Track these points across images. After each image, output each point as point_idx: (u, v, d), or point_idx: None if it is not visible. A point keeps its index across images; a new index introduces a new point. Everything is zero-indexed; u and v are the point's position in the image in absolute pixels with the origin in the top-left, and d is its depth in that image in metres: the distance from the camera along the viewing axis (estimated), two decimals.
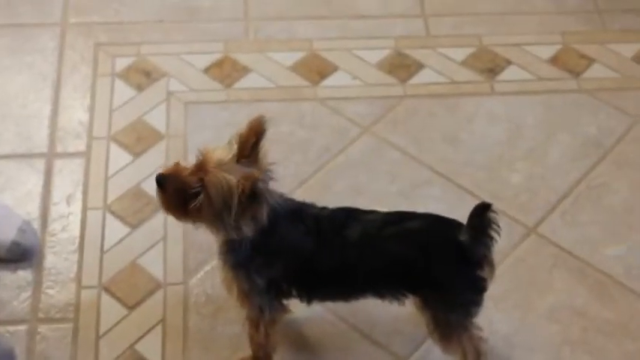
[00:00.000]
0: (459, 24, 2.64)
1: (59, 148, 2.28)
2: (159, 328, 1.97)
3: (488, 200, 2.15)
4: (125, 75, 2.46)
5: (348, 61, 2.52)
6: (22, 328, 1.96)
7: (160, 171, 1.69)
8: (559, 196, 2.24)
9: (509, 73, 2.51)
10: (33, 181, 2.22)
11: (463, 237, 1.72)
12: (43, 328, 1.96)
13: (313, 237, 1.74)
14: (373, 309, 1.97)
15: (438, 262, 1.75)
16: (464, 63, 2.53)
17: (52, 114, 2.36)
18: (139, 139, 2.31)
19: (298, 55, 2.53)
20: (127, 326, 1.97)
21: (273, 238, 1.71)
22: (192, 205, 1.64)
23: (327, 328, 1.97)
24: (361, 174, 2.26)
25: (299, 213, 1.75)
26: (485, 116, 2.41)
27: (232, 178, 1.61)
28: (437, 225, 1.79)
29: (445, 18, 2.66)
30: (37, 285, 2.03)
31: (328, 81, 2.47)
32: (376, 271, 1.76)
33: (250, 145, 1.66)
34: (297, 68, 2.50)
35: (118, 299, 2.01)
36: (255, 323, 1.85)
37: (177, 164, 1.69)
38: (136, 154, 2.28)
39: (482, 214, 1.71)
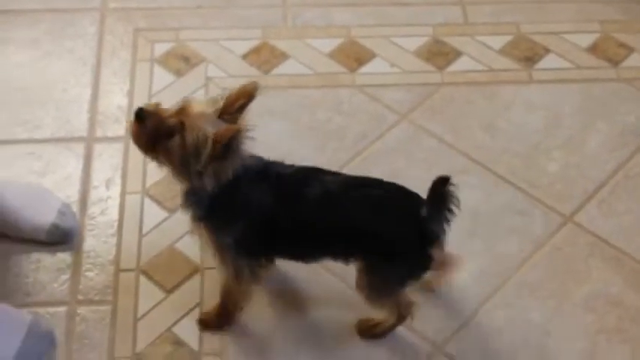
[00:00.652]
0: (497, 12, 2.63)
1: (99, 133, 2.30)
2: (196, 311, 1.98)
3: (525, 189, 2.18)
4: (164, 60, 2.47)
5: (385, 48, 2.52)
6: (62, 309, 1.98)
7: (142, 107, 1.71)
8: (596, 185, 2.23)
9: (547, 62, 2.50)
10: (73, 165, 2.24)
11: (423, 212, 1.74)
12: (82, 310, 1.98)
13: (274, 194, 1.77)
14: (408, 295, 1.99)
15: (395, 231, 1.77)
16: (502, 51, 2.52)
17: (91, 98, 2.38)
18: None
19: (336, 42, 2.53)
20: (164, 309, 1.99)
21: (233, 196, 1.74)
22: (164, 143, 1.68)
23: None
24: (398, 161, 2.26)
25: (263, 172, 1.78)
26: (523, 104, 2.40)
27: (210, 129, 1.65)
28: (399, 195, 1.81)
29: (483, 6, 2.65)
30: (76, 267, 2.06)
31: (366, 68, 2.47)
32: (333, 231, 1.78)
33: (237, 105, 1.70)
34: (334, 55, 2.50)
35: (156, 282, 2.03)
36: (235, 279, 1.87)
37: (158, 104, 1.73)
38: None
39: (442, 188, 1.72)
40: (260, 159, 1.80)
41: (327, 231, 1.78)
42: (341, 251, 1.83)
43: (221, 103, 1.71)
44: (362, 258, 1.81)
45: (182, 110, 1.69)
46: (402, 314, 1.90)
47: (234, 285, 1.89)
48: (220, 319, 1.95)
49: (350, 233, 1.78)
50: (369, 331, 1.95)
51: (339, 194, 1.78)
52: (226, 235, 1.80)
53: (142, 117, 1.70)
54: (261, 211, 1.77)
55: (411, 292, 1.89)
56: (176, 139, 1.67)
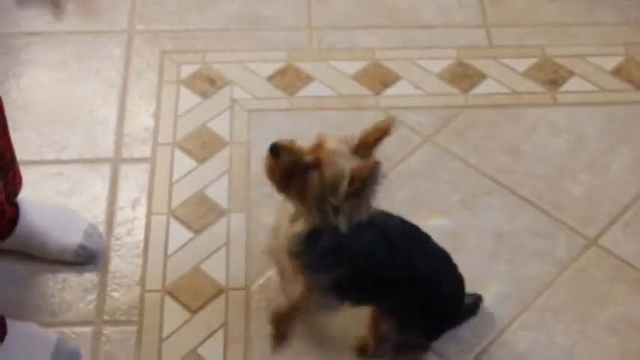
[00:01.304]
0: (521, 34, 2.64)
1: (125, 154, 2.33)
2: (221, 332, 1.99)
3: (549, 211, 2.19)
4: (190, 82, 2.50)
5: (410, 70, 2.53)
6: (88, 329, 2.00)
7: (277, 142, 1.70)
8: (620, 208, 2.23)
9: (571, 84, 2.51)
10: (99, 186, 2.26)
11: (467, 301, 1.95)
12: (107, 330, 2.00)
13: (387, 247, 1.78)
14: None
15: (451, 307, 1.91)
16: (526, 74, 2.53)
17: (118, 120, 2.40)
18: (203, 145, 2.34)
19: (361, 65, 2.55)
20: (189, 330, 2.00)
21: (346, 239, 1.73)
22: (300, 179, 1.67)
23: None
24: (422, 183, 2.27)
25: (373, 220, 1.76)
26: (547, 127, 2.41)
27: (347, 165, 1.65)
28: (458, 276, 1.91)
29: (507, 28, 2.66)
30: (102, 287, 2.07)
31: (390, 90, 2.49)
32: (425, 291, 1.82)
33: (372, 140, 1.71)
34: (359, 77, 2.52)
35: (181, 303, 2.04)
36: (307, 308, 1.88)
37: (292, 141, 1.72)
38: (200, 161, 2.31)
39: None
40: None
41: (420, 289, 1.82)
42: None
43: (356, 140, 1.70)
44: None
45: (318, 146, 1.69)
46: None
47: (300, 308, 1.88)
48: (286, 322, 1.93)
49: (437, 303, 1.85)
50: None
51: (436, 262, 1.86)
52: (324, 274, 1.79)
53: (277, 152, 1.69)
54: (372, 262, 1.78)
55: None
56: (314, 175, 1.66)
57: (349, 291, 1.83)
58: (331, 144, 1.68)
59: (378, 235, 1.77)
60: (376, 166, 1.64)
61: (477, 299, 1.99)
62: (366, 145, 1.70)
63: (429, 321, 1.87)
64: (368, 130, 1.71)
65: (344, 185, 1.65)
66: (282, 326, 1.90)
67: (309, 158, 1.68)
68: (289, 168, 1.69)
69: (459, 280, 1.89)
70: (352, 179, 1.64)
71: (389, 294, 1.82)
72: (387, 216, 1.82)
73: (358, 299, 1.87)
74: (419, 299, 1.82)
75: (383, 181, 1.68)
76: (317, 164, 1.66)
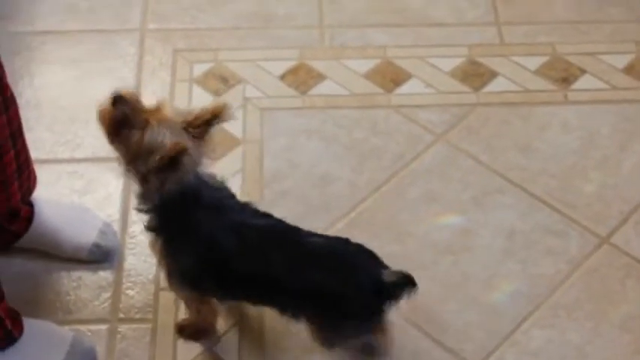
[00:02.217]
0: (533, 32, 2.65)
1: None
2: (235, 329, 2.00)
3: (561, 209, 2.19)
4: (203, 81, 2.51)
5: (421, 68, 2.54)
6: (103, 327, 2.01)
7: (121, 92, 1.71)
8: (632, 207, 2.23)
9: (583, 82, 2.51)
10: (113, 184, 2.27)
11: (385, 276, 1.74)
12: (123, 328, 2.01)
13: (237, 239, 1.75)
14: (444, 314, 2.00)
15: (354, 294, 1.75)
16: (537, 72, 2.54)
17: None
18: (215, 144, 2.35)
19: (372, 63, 2.56)
20: None
21: (190, 222, 1.74)
22: (125, 133, 1.69)
23: (397, 334, 1.99)
24: (434, 181, 2.28)
25: (228, 210, 1.77)
26: (559, 125, 2.41)
27: (168, 138, 1.66)
28: (360, 257, 1.79)
29: (519, 26, 2.66)
30: (117, 285, 2.08)
31: (402, 89, 2.49)
32: (294, 290, 1.76)
33: (202, 120, 1.70)
34: (371, 76, 2.52)
35: None
36: (186, 303, 1.91)
37: (137, 94, 1.73)
38: (213, 159, 2.31)
39: (405, 283, 1.74)
40: (230, 197, 1.81)
41: (282, 287, 1.77)
42: (296, 309, 1.81)
43: (190, 116, 1.71)
44: (311, 317, 1.81)
45: (155, 110, 1.70)
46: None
47: (189, 308, 1.93)
48: (193, 329, 1.97)
49: (305, 293, 1.76)
50: None
51: (303, 253, 1.77)
52: (176, 262, 1.80)
53: (115, 100, 1.71)
54: (218, 251, 1.76)
55: None
56: (135, 134, 1.68)
57: (208, 283, 1.82)
58: (167, 112, 1.70)
59: (229, 225, 1.76)
60: (181, 149, 1.64)
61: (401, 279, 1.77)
62: (196, 124, 1.70)
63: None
64: (203, 109, 1.71)
65: (154, 157, 1.66)
66: (192, 333, 1.98)
67: (139, 117, 1.68)
68: (120, 120, 1.70)
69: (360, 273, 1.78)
70: (161, 156, 1.65)
71: (263, 294, 1.81)
72: (262, 215, 1.81)
73: (224, 294, 1.87)
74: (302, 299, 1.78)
75: (200, 163, 1.72)
76: (143, 126, 1.67)
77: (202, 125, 1.71)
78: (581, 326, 2.02)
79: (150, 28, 2.65)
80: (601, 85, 2.51)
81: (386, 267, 1.77)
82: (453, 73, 2.53)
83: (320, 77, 2.52)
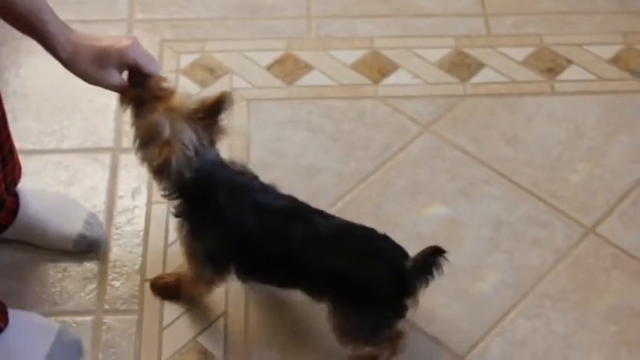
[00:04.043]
0: (520, 23, 2.65)
1: (125, 143, 2.33)
2: (221, 321, 2.00)
3: (548, 200, 2.19)
4: (190, 71, 2.50)
5: (408, 59, 2.54)
6: (88, 319, 2.01)
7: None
8: (618, 197, 2.24)
9: (569, 73, 2.51)
10: (99, 175, 2.26)
11: (407, 265, 1.74)
12: (108, 319, 2.01)
13: (258, 220, 1.77)
14: (431, 305, 2.00)
15: (376, 278, 1.76)
16: (524, 62, 2.54)
17: (118, 109, 2.39)
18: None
19: (359, 54, 2.55)
20: (189, 319, 2.01)
21: (212, 206, 1.77)
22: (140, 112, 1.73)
23: None
24: (421, 172, 2.28)
25: (252, 192, 1.80)
26: (545, 116, 2.41)
27: (168, 129, 1.69)
28: (384, 245, 1.80)
29: (506, 17, 2.66)
30: (102, 277, 2.08)
31: (389, 79, 2.49)
32: (316, 272, 1.78)
33: (207, 107, 1.72)
34: (358, 66, 2.52)
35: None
36: (195, 281, 1.93)
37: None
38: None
39: (434, 255, 1.72)
40: (252, 180, 1.83)
41: (305, 269, 1.79)
42: (318, 291, 1.83)
43: (197, 103, 1.73)
44: (333, 300, 1.81)
45: (165, 96, 1.73)
46: (394, 349, 1.90)
47: (191, 284, 1.95)
48: (169, 292, 2.01)
49: (327, 275, 1.77)
50: None
51: (325, 236, 1.78)
52: (199, 241, 1.83)
53: (134, 80, 1.74)
54: (241, 231, 1.78)
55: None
56: (142, 120, 1.73)
57: (233, 264, 1.85)
58: (177, 99, 1.73)
59: (252, 206, 1.78)
60: (167, 157, 1.69)
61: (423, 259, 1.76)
62: (202, 113, 1.72)
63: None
64: (208, 97, 1.74)
65: (153, 149, 1.71)
66: (164, 294, 2.01)
67: (150, 101, 1.71)
68: (137, 100, 1.74)
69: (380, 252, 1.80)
70: (152, 161, 1.71)
71: (282, 273, 1.83)
72: (284, 197, 1.84)
73: (249, 274, 1.88)
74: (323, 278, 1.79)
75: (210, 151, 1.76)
76: (150, 112, 1.71)
77: (208, 113, 1.72)
78: (566, 316, 2.02)
79: (137, 19, 2.64)
80: (588, 76, 2.51)
81: (406, 255, 1.78)
82: (440, 64, 2.53)
83: (307, 68, 2.52)
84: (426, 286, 1.75)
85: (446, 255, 1.71)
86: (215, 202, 1.77)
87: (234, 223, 1.78)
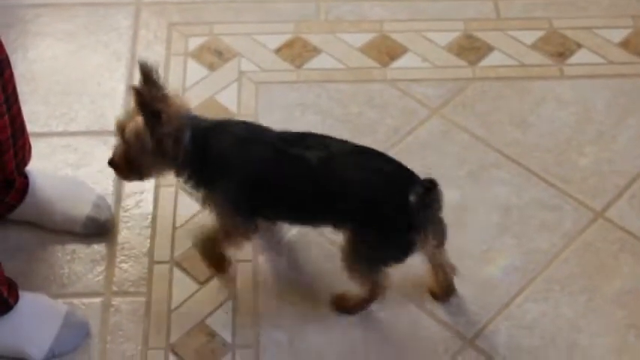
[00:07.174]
0: (529, 7, 2.64)
1: None
2: (229, 303, 2.01)
3: (556, 184, 2.19)
4: (198, 55, 2.50)
5: (417, 43, 2.53)
6: (97, 300, 2.01)
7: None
8: (627, 181, 2.23)
9: (579, 57, 2.50)
10: (107, 158, 2.26)
11: (412, 199, 1.76)
12: (116, 301, 2.01)
13: (270, 153, 1.83)
14: None
15: (388, 202, 1.79)
16: (533, 46, 2.53)
17: (126, 92, 2.41)
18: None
19: (368, 37, 2.55)
20: (198, 301, 2.01)
21: (221, 161, 1.84)
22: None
23: (394, 308, 1.99)
24: (430, 155, 2.28)
25: (254, 134, 1.87)
26: (554, 100, 2.41)
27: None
28: (399, 171, 1.85)
29: (515, 0, 2.65)
30: (110, 259, 2.08)
31: (398, 62, 2.49)
32: (327, 194, 1.81)
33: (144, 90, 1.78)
34: (366, 50, 2.52)
35: (190, 274, 2.05)
36: (228, 235, 1.95)
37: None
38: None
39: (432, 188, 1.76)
40: (242, 124, 1.92)
41: (321, 193, 1.82)
42: (332, 215, 1.86)
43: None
44: (350, 226, 1.84)
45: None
46: (374, 293, 1.94)
47: (227, 238, 1.97)
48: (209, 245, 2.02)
49: (343, 197, 1.81)
50: (342, 306, 1.98)
51: (339, 158, 1.82)
52: (221, 197, 1.87)
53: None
54: (255, 169, 1.83)
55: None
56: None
57: (253, 206, 1.89)
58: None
59: (263, 144, 1.84)
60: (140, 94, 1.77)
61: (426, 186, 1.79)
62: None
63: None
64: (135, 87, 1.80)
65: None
66: (210, 254, 2.02)
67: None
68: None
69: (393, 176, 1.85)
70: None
71: (304, 206, 1.86)
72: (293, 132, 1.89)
73: (276, 213, 1.94)
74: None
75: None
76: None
77: (147, 91, 1.78)
78: (574, 300, 2.02)
79: (145, 1, 2.64)
80: (597, 59, 2.50)
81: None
82: (449, 48, 2.53)
83: (315, 51, 2.51)
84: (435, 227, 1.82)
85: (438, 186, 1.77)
86: (220, 156, 1.83)
87: (243, 164, 1.84)
